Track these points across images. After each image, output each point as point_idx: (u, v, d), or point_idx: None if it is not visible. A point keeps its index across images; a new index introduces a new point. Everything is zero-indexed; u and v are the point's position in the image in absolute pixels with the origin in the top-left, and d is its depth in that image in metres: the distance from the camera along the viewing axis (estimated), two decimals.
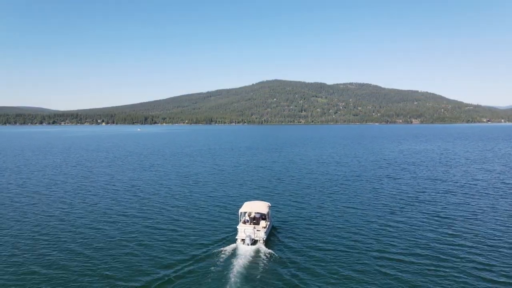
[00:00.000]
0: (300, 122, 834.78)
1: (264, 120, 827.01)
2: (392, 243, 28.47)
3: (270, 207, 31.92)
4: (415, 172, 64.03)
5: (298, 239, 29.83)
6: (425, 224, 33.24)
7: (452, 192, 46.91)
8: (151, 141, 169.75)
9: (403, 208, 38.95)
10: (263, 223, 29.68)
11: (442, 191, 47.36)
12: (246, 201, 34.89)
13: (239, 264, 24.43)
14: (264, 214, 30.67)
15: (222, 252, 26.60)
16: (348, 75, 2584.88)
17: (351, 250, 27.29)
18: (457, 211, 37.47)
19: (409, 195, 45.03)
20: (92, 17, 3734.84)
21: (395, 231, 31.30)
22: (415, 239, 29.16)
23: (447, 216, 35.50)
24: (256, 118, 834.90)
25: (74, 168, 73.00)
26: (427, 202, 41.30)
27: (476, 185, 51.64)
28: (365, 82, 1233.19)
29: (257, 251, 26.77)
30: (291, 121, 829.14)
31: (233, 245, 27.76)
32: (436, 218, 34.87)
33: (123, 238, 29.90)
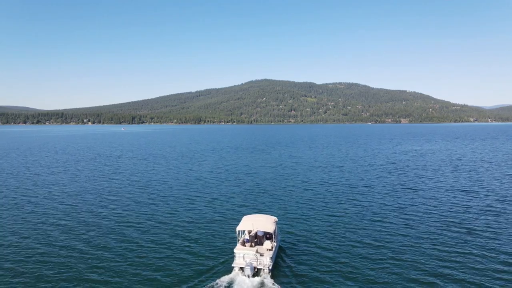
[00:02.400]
0: (289, 121, 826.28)
1: (254, 120, 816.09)
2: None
3: (277, 223, 24.37)
4: (438, 181, 51.88)
5: (313, 266, 22.35)
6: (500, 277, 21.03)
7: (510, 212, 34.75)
8: (130, 141, 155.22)
9: (455, 243, 26.61)
10: (268, 244, 22.42)
11: (491, 213, 34.96)
12: (243, 215, 28.20)
13: None
14: (269, 232, 23.10)
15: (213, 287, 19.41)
16: (337, 74, 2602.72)
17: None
18: None
19: (450, 219, 32.66)
20: (79, 16, 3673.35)
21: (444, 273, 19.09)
22: None
23: None
24: (246, 118, 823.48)
25: (15, 175, 58.87)
26: (483, 234, 28.95)
27: None
28: (354, 81, 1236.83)
29: (261, 286, 19.56)
30: (280, 121, 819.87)
31: (228, 276, 20.51)
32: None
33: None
